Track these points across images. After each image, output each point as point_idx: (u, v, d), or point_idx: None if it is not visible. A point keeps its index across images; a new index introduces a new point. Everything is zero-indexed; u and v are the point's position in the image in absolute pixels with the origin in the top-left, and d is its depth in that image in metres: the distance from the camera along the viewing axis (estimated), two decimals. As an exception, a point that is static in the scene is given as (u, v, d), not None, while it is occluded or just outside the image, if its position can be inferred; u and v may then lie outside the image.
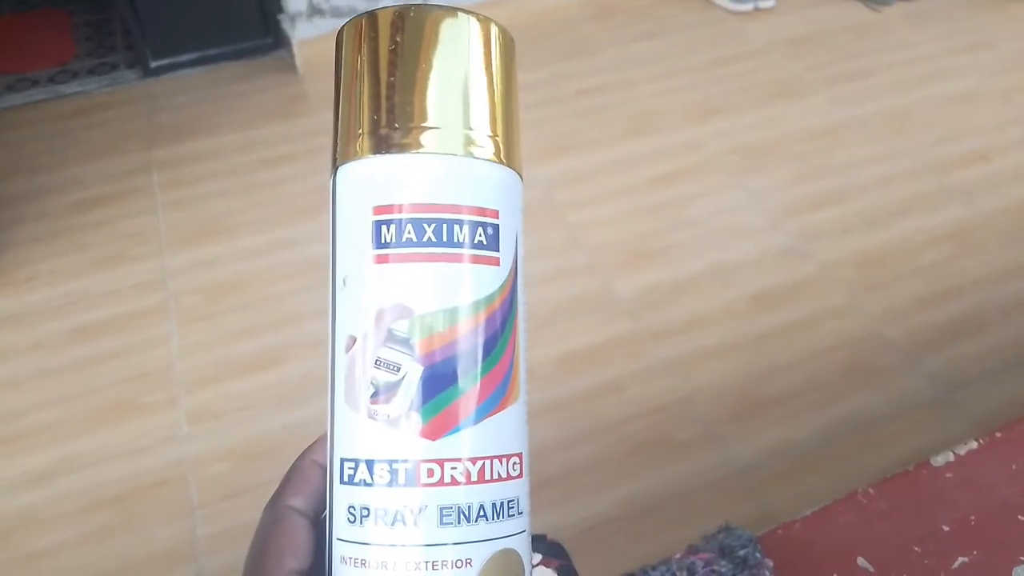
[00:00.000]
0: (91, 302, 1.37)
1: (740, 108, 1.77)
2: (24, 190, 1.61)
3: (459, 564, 0.26)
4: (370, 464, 0.27)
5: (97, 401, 1.22)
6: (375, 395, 0.27)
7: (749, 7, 2.08)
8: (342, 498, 0.28)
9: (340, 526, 0.28)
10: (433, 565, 0.26)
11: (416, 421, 0.27)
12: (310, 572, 0.29)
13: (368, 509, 0.27)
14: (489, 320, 0.28)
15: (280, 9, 1.89)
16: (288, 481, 0.31)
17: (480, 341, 0.28)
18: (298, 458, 0.31)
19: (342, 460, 0.28)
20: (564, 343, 1.28)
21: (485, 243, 0.28)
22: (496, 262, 0.28)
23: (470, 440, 0.27)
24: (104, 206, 1.56)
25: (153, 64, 1.92)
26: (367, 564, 0.27)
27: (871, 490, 0.54)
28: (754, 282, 1.40)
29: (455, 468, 0.27)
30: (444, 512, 0.27)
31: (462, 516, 0.27)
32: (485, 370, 0.28)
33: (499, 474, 0.28)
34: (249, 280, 1.39)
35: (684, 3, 2.16)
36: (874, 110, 1.77)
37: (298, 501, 0.30)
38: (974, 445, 0.56)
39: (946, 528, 0.52)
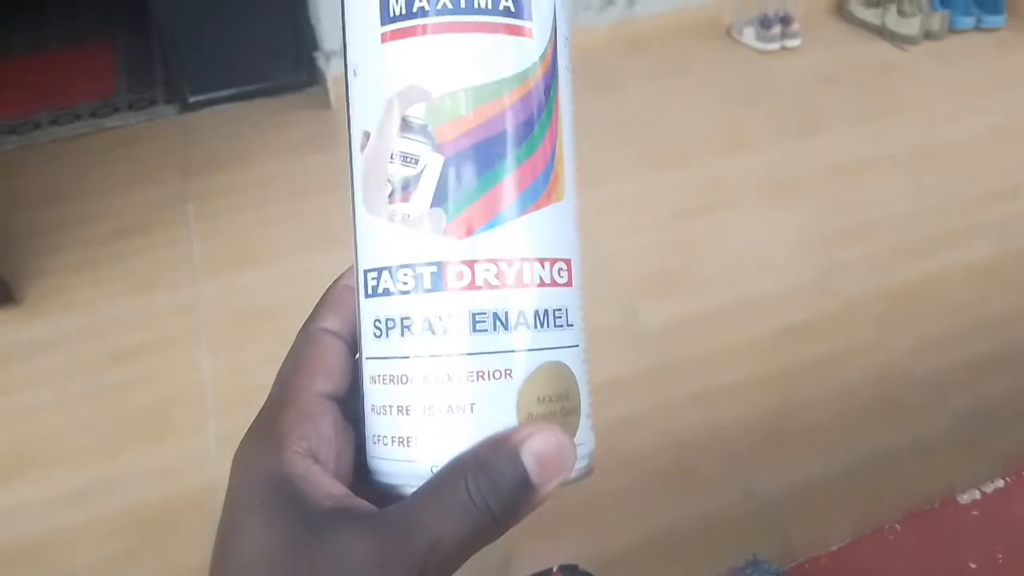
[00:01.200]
0: (126, 328, 1.40)
1: (767, 143, 1.79)
2: (64, 218, 1.66)
3: (498, 375, 0.24)
4: (392, 271, 0.25)
5: (130, 424, 1.25)
6: (392, 194, 0.25)
7: (776, 46, 2.10)
8: (368, 312, 0.26)
9: (367, 343, 0.26)
10: (468, 376, 0.24)
11: (440, 218, 0.24)
12: (345, 399, 0.27)
13: (393, 320, 0.25)
14: (521, 102, 0.24)
15: (316, 47, 1.94)
16: (320, 305, 0.28)
17: (511, 126, 0.24)
18: (330, 286, 0.29)
19: (365, 272, 0.26)
20: (589, 374, 1.28)
21: (512, 9, 0.24)
22: (527, 32, 0.24)
23: (504, 238, 0.24)
24: (140, 235, 1.60)
25: (191, 99, 1.98)
26: (393, 379, 0.25)
27: (898, 526, 0.54)
28: (780, 316, 1.40)
29: (488, 270, 0.24)
30: (477, 318, 0.24)
31: (498, 322, 0.24)
32: (518, 160, 0.25)
33: (541, 279, 0.25)
34: (280, 307, 1.41)
35: (711, 41, 2.18)
36: (902, 147, 1.77)
37: (331, 323, 0.27)
38: (1001, 483, 0.56)
39: (973, 565, 0.52)
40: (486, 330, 0.24)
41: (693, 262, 1.50)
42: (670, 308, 1.40)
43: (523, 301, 0.24)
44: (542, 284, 0.25)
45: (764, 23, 2.10)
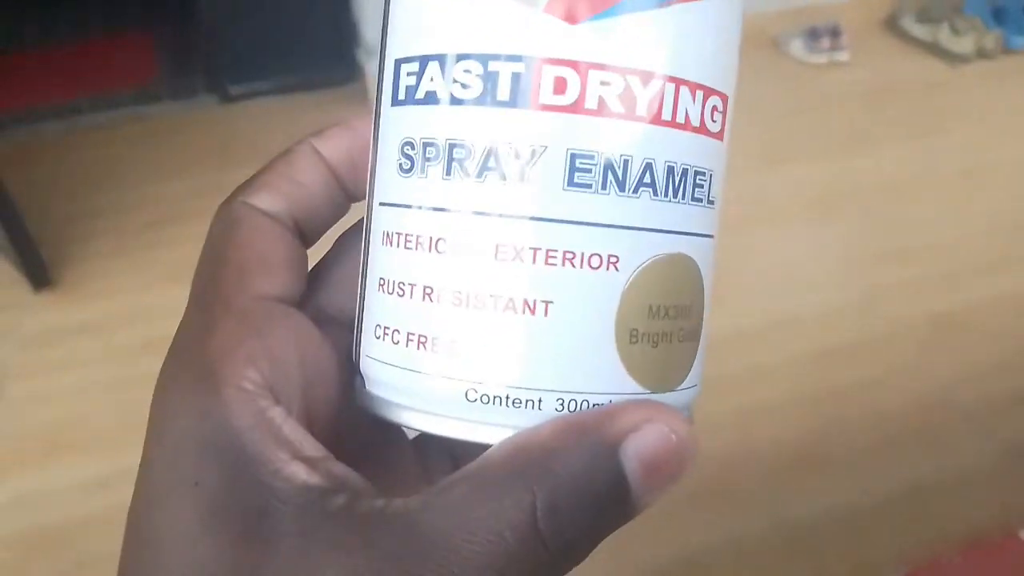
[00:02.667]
0: (159, 317, 1.39)
1: (810, 158, 1.75)
2: (101, 205, 1.67)
3: (595, 262, 0.16)
4: (445, 62, 0.16)
5: (159, 416, 1.24)
6: None
7: (824, 59, 2.07)
8: (395, 129, 0.17)
9: (385, 178, 0.18)
10: (548, 257, 0.16)
11: None
12: (296, 297, 0.18)
13: (435, 145, 0.16)
14: None
15: (357, 43, 1.93)
16: (252, 178, 0.19)
17: None
18: (279, 154, 0.20)
19: (397, 64, 0.17)
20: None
21: None
22: None
23: (639, 36, 0.16)
24: (176, 225, 1.60)
25: (231, 90, 1.98)
26: (419, 243, 0.16)
27: (957, 558, 0.52)
28: (820, 337, 1.37)
29: (607, 83, 0.15)
30: (578, 163, 0.16)
31: (611, 176, 0.16)
32: None
33: (688, 115, 0.16)
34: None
35: (757, 52, 2.15)
36: (950, 167, 1.73)
37: (264, 199, 0.19)
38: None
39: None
40: (589, 185, 0.16)
41: (732, 278, 1.47)
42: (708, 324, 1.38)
43: (655, 146, 0.16)
44: (686, 126, 0.16)
45: (813, 35, 2.07)
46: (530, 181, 0.16)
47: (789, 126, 1.86)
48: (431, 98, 0.16)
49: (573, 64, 0.15)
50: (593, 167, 0.16)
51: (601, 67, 0.16)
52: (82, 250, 1.55)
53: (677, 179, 0.16)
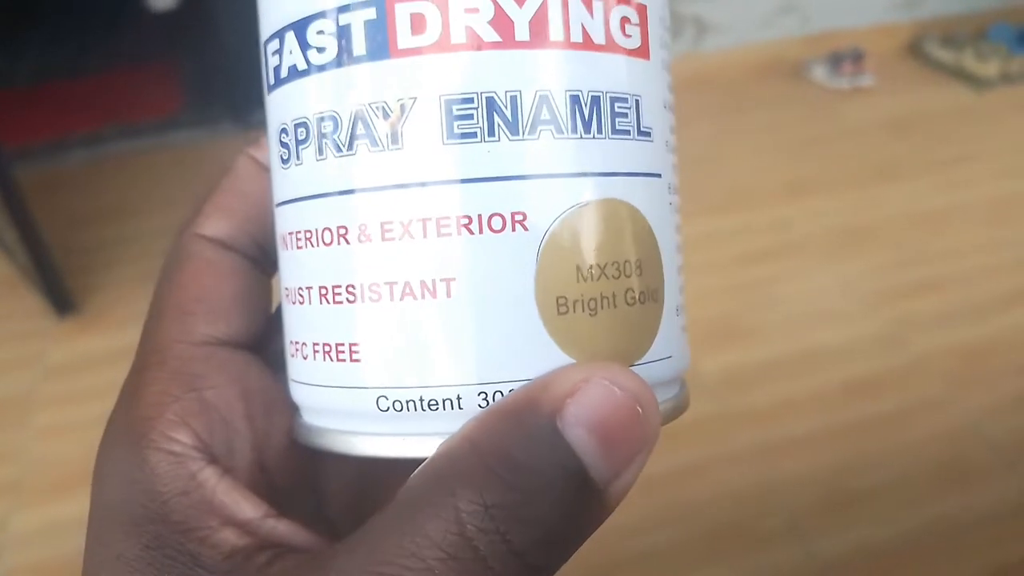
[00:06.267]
0: (181, 347, 1.41)
1: (834, 187, 1.74)
2: (124, 233, 1.68)
3: (498, 224, 0.13)
4: (301, 28, 0.14)
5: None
6: None
7: (846, 85, 2.05)
8: (273, 119, 0.16)
9: (274, 174, 0.16)
10: (440, 226, 0.13)
11: None
12: (249, 337, 0.16)
13: (306, 124, 0.14)
14: None
15: (379, 70, 1.95)
16: (205, 195, 0.18)
17: None
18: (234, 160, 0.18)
19: (264, 45, 0.16)
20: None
21: None
22: None
23: None
24: (199, 253, 1.62)
25: (254, 117, 2.00)
26: (310, 237, 0.14)
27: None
28: (845, 369, 1.35)
29: (474, 8, 0.13)
30: (456, 110, 0.13)
31: (499, 119, 0.13)
32: None
33: (587, 31, 0.14)
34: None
35: (779, 78, 2.14)
36: (977, 197, 1.71)
37: (214, 226, 0.17)
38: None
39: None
40: (473, 134, 0.13)
41: (754, 310, 1.46)
42: (729, 356, 1.36)
43: (547, 74, 0.13)
44: (587, 44, 0.13)
45: (835, 60, 2.06)
46: (404, 142, 0.13)
47: (813, 154, 1.85)
48: (293, 73, 0.14)
49: None
50: (474, 112, 0.13)
51: None
52: (107, 278, 1.56)
53: (586, 110, 0.14)
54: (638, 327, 0.15)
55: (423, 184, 0.13)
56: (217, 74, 2.10)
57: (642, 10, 0.15)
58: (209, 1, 1.92)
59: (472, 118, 0.13)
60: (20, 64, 2.02)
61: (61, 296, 1.45)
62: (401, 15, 0.13)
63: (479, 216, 0.13)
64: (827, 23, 2.16)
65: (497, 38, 0.13)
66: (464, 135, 0.13)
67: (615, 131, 0.14)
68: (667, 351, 0.15)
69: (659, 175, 0.15)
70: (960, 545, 1.13)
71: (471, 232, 0.13)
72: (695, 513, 1.17)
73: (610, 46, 0.14)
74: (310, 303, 0.14)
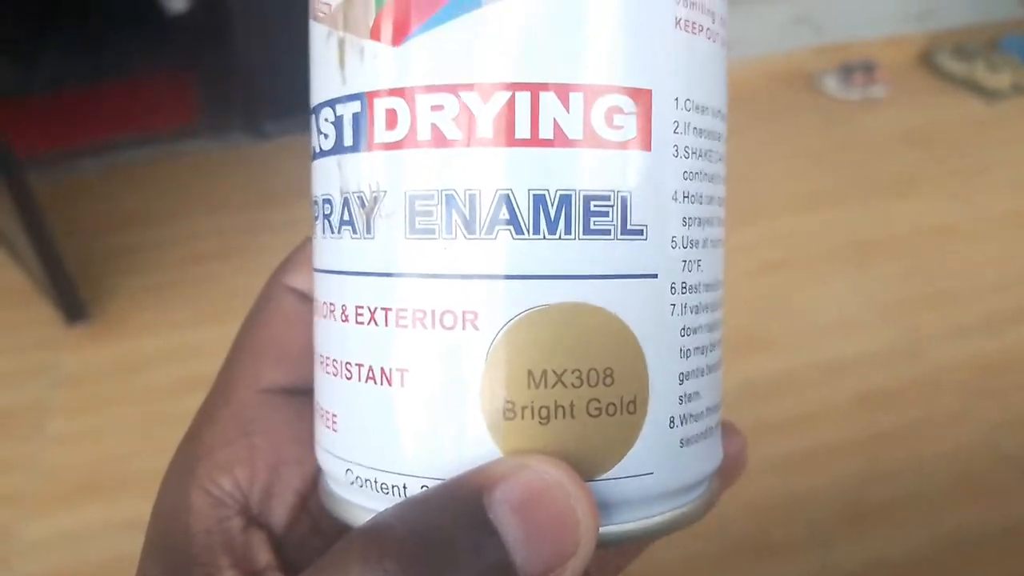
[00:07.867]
0: (196, 355, 1.41)
1: (848, 198, 1.74)
2: (138, 242, 1.69)
3: (449, 321, 0.13)
4: (316, 111, 0.16)
5: (194, 456, 1.24)
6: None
7: (858, 96, 2.06)
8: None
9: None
10: (398, 319, 0.13)
11: (364, 7, 0.14)
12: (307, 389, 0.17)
13: (316, 201, 0.16)
14: None
15: (392, 80, 1.95)
16: (293, 252, 0.19)
17: None
18: None
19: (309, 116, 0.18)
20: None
21: None
22: None
23: (468, 43, 0.13)
24: (213, 261, 1.62)
25: (269, 128, 2.01)
26: (319, 312, 0.16)
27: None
28: (861, 382, 1.34)
29: (439, 106, 0.13)
30: (417, 204, 0.13)
31: (456, 218, 0.13)
32: None
33: (560, 127, 0.13)
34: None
35: (792, 90, 2.15)
36: (992, 209, 1.71)
37: (300, 278, 0.18)
38: None
39: None
40: (431, 231, 0.13)
41: (769, 322, 1.46)
42: (744, 367, 1.36)
43: (510, 173, 0.13)
44: (559, 140, 0.13)
45: (847, 72, 2.06)
46: (375, 232, 0.14)
47: (827, 166, 1.85)
48: (313, 153, 0.16)
49: (400, 92, 0.13)
50: (434, 208, 0.13)
51: (429, 89, 0.13)
52: (120, 287, 1.57)
53: (551, 209, 0.13)
54: (602, 439, 0.14)
55: (388, 275, 0.14)
56: (232, 84, 2.11)
57: (642, 96, 0.14)
58: (225, 11, 1.93)
59: (432, 215, 0.13)
60: (35, 73, 2.04)
61: (74, 305, 1.45)
62: (378, 110, 0.14)
63: (432, 311, 0.13)
64: (839, 35, 2.17)
65: (459, 135, 0.13)
66: (424, 231, 0.13)
67: (588, 231, 0.13)
68: (647, 467, 0.14)
69: (654, 275, 0.14)
70: (976, 558, 1.12)
71: (424, 327, 0.13)
72: (710, 524, 1.16)
73: (589, 140, 0.13)
74: (325, 371, 0.16)
